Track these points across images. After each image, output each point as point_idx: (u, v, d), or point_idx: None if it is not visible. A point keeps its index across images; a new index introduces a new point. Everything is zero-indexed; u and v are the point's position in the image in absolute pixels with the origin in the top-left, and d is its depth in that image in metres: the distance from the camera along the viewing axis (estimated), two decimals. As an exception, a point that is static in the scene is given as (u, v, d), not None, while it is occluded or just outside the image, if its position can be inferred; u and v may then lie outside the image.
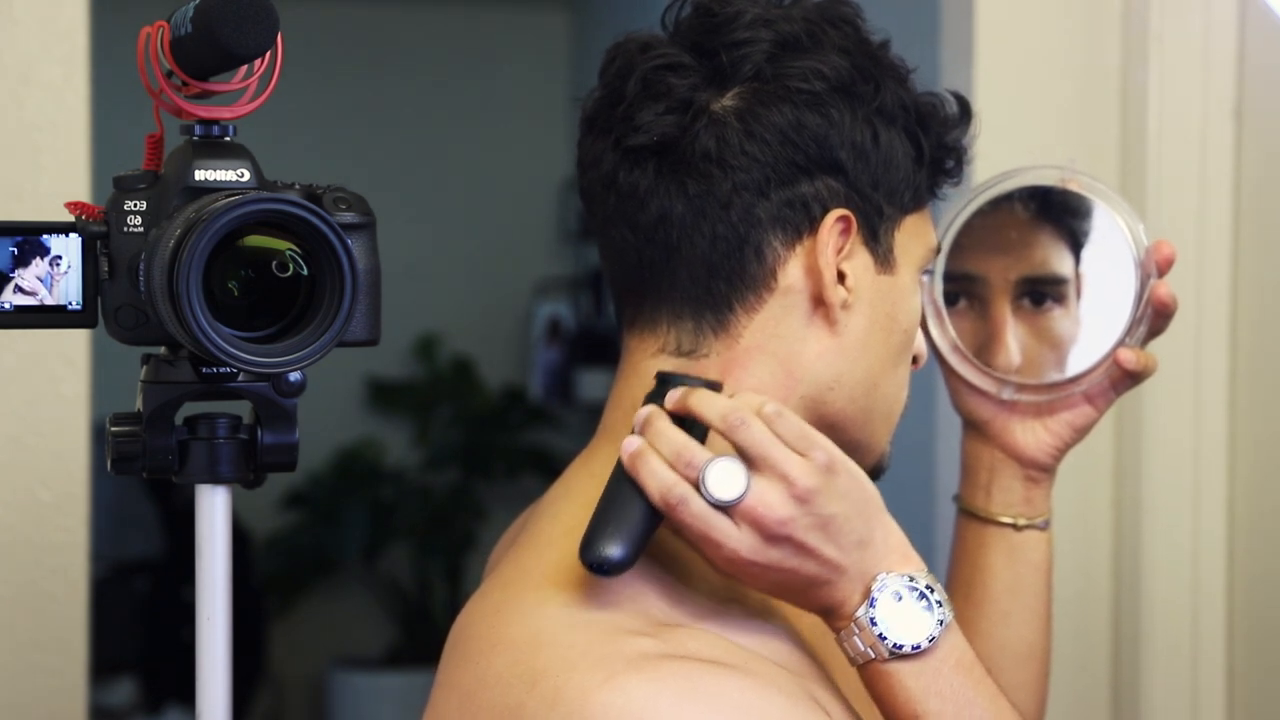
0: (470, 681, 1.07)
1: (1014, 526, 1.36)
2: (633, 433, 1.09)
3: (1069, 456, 1.37)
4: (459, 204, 5.13)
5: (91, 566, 1.79)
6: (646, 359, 1.18)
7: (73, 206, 1.11)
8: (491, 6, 5.17)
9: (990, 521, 1.37)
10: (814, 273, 1.15)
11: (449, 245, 5.09)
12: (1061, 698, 1.55)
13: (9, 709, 1.73)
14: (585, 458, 1.20)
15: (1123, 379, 1.34)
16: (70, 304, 1.09)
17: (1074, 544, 1.88)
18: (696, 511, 1.06)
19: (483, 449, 4.86)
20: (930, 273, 1.33)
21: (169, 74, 1.07)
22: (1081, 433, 1.36)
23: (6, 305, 1.08)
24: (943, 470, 1.93)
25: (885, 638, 1.08)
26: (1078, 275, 1.37)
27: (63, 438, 1.74)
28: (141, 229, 1.08)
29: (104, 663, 3.28)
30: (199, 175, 1.07)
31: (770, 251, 1.15)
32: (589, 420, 3.75)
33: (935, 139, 1.21)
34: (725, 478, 1.06)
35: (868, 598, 1.09)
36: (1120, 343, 1.33)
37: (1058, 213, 1.37)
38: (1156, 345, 1.36)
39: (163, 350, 1.11)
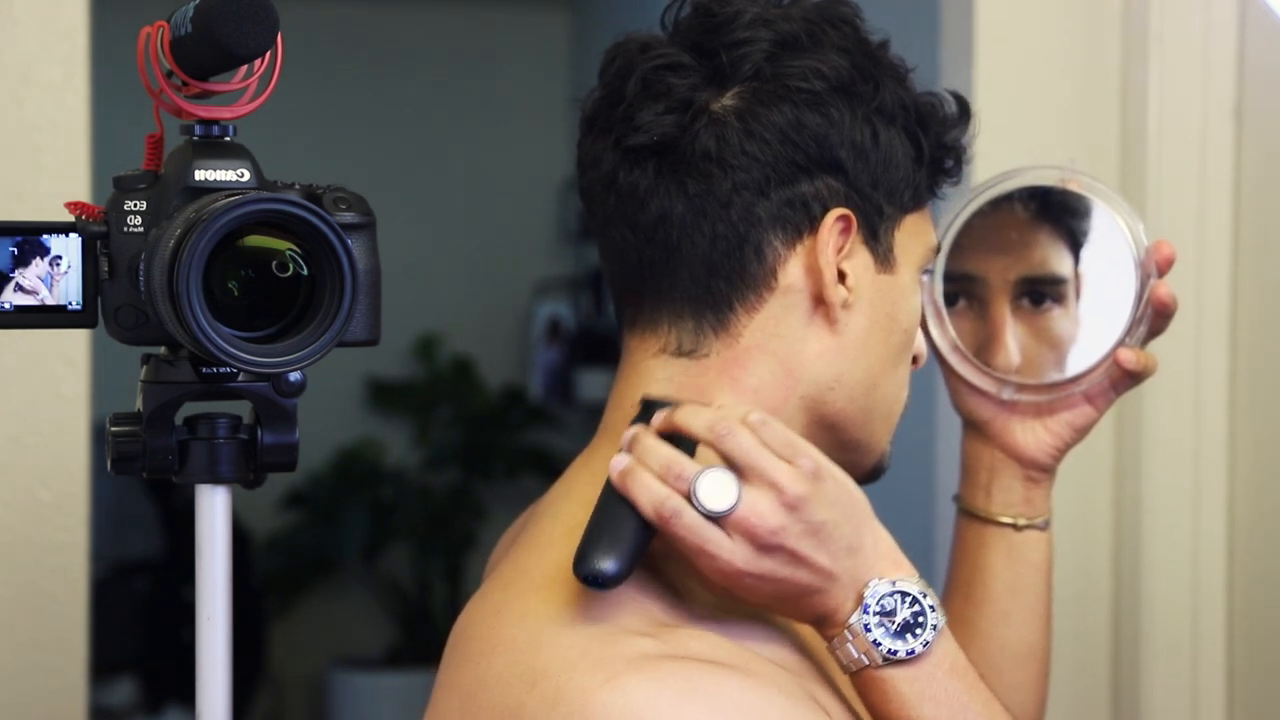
0: (471, 681, 1.07)
1: (1014, 526, 1.36)
2: (620, 452, 1.09)
3: (1069, 456, 1.37)
4: (459, 204, 5.13)
5: (91, 566, 1.79)
6: (647, 359, 1.18)
7: (73, 206, 1.11)
8: (491, 6, 5.17)
9: (990, 521, 1.37)
10: (814, 272, 1.15)
11: (449, 245, 5.09)
12: (1061, 698, 1.55)
13: (9, 709, 1.73)
14: (585, 458, 1.20)
15: (1123, 379, 1.34)
16: (70, 304, 1.09)
17: (1074, 544, 1.88)
18: (690, 524, 1.05)
19: (483, 449, 4.86)
20: (930, 272, 1.33)
21: (169, 74, 1.07)
22: (1081, 433, 1.36)
23: (6, 305, 1.08)
24: (943, 470, 1.93)
25: (879, 644, 1.08)
26: (1077, 275, 1.37)
27: (63, 438, 1.74)
28: (141, 229, 1.08)
29: (104, 663, 3.28)
30: (199, 175, 1.07)
31: (770, 251, 1.15)
32: (589, 420, 3.75)
33: (935, 139, 1.21)
34: (717, 488, 1.05)
35: (860, 604, 1.08)
36: (1120, 343, 1.33)
37: (1057, 213, 1.36)
38: (1156, 345, 1.36)
39: (163, 350, 1.11)
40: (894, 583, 1.09)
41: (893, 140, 1.17)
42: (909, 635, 1.08)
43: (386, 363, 4.87)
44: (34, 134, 1.72)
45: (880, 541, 1.10)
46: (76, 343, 1.73)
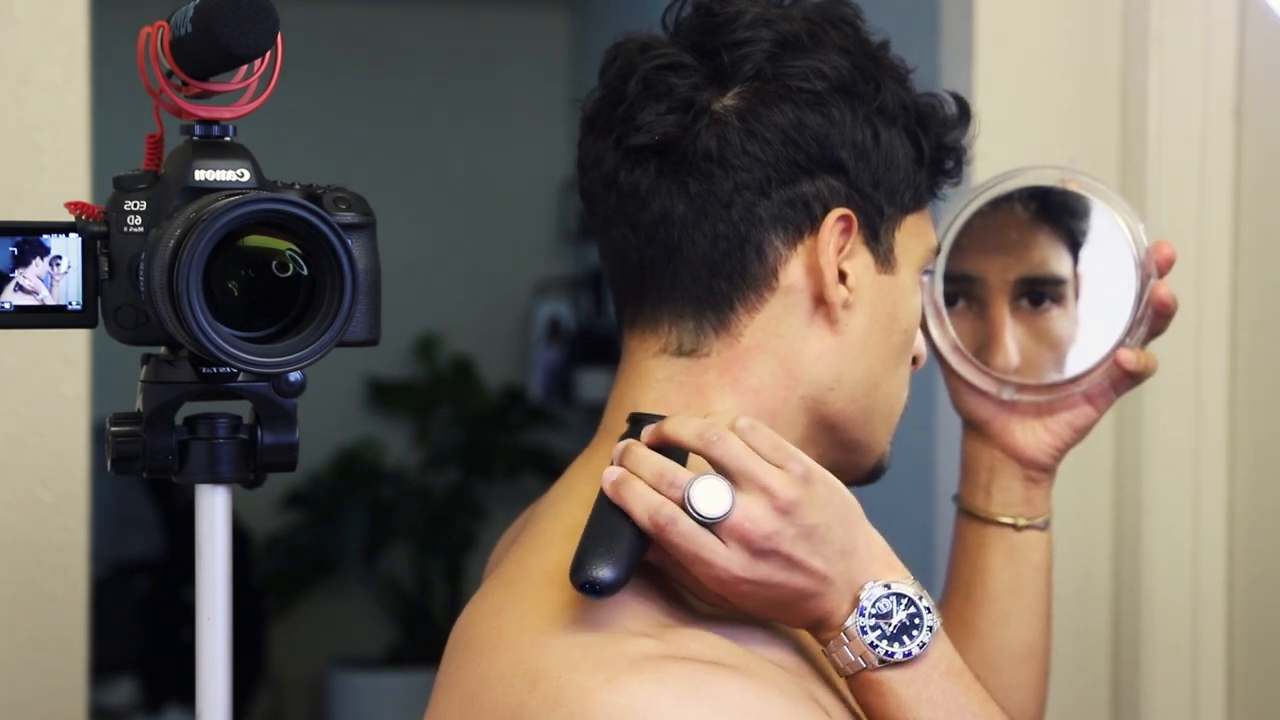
0: (471, 681, 1.07)
1: (1014, 526, 1.36)
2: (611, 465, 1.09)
3: (1069, 456, 1.37)
4: (459, 204, 5.13)
5: (91, 566, 1.79)
6: (648, 359, 1.18)
7: (73, 206, 1.11)
8: (491, 6, 5.17)
9: (990, 521, 1.37)
10: (815, 272, 1.15)
11: (449, 245, 5.09)
12: (1061, 698, 1.55)
13: (9, 709, 1.73)
14: (586, 458, 1.20)
15: (1123, 379, 1.34)
16: (70, 304, 1.09)
17: (1074, 544, 1.88)
18: (685, 531, 1.05)
19: (483, 449, 4.86)
20: (930, 273, 1.33)
21: (169, 74, 1.07)
22: (1081, 433, 1.36)
23: (6, 305, 1.08)
24: (943, 470, 1.93)
25: (875, 646, 1.08)
26: (1077, 275, 1.37)
27: (63, 438, 1.74)
28: (141, 229, 1.08)
29: (104, 663, 3.28)
30: (199, 175, 1.07)
31: (771, 251, 1.15)
32: (589, 420, 3.76)
33: (935, 139, 1.21)
34: (711, 494, 1.05)
35: (856, 607, 1.08)
36: (1120, 343, 1.33)
37: (1057, 213, 1.37)
38: (1156, 345, 1.36)
39: (163, 350, 1.11)
40: (889, 585, 1.09)
41: (893, 141, 1.17)
42: (905, 637, 1.08)
43: (386, 363, 4.87)
44: (34, 134, 1.72)
45: (873, 544, 1.10)
46: (76, 343, 1.73)
